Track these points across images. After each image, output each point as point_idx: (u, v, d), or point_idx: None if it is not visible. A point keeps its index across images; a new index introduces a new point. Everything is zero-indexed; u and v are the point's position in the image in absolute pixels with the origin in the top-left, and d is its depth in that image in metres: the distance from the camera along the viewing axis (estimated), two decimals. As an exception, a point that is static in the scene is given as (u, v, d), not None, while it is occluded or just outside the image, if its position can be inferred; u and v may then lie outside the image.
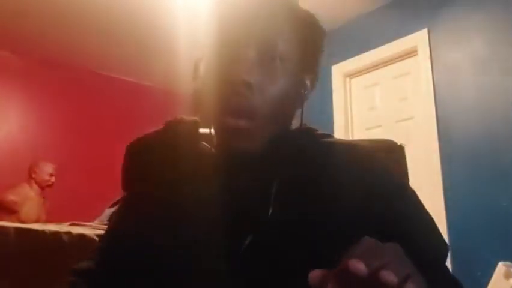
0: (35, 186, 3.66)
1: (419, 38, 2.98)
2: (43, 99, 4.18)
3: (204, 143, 0.70)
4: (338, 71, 3.49)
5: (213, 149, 0.68)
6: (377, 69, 3.31)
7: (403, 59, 3.14)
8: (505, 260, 2.29)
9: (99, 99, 4.47)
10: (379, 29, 3.24)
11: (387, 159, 0.83)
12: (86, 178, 4.02)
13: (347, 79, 3.49)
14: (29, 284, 1.35)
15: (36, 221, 3.36)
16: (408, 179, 0.89)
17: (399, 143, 0.94)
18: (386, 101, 3.26)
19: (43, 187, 3.69)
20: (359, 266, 0.37)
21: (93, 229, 1.47)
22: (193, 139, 0.71)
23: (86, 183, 3.95)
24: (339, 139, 0.74)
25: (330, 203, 0.61)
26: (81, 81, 4.39)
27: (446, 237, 2.55)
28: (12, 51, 4.02)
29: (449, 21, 2.85)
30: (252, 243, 0.61)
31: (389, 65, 3.24)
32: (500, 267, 2.26)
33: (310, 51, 0.67)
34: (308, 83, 0.69)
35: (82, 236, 1.32)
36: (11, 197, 3.50)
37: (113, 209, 1.61)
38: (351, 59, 3.40)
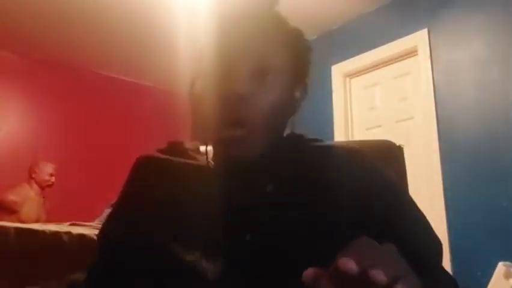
0: (35, 186, 3.65)
1: (419, 38, 2.98)
2: (43, 99, 4.18)
3: (204, 157, 0.74)
4: (338, 71, 3.49)
5: (211, 162, 0.72)
6: (377, 69, 3.31)
7: (403, 59, 3.14)
8: (505, 260, 2.29)
9: (99, 99, 4.47)
10: (379, 29, 3.24)
11: (385, 160, 0.84)
12: (86, 178, 4.02)
13: (347, 79, 3.50)
14: (29, 284, 1.35)
15: (36, 221, 3.36)
16: (406, 180, 0.90)
17: (398, 144, 0.94)
18: (386, 101, 3.26)
19: (43, 187, 3.69)
20: (349, 265, 0.37)
21: (93, 229, 1.48)
22: (193, 154, 0.75)
23: (86, 183, 3.95)
24: (330, 142, 0.77)
25: (325, 203, 0.62)
26: (81, 81, 4.39)
27: (446, 237, 2.56)
28: (12, 51, 4.02)
29: (449, 21, 2.85)
30: (251, 243, 0.62)
31: (389, 65, 3.24)
32: (500, 267, 2.26)
33: (299, 64, 0.71)
34: (298, 93, 0.72)
35: (82, 236, 1.32)
36: (11, 197, 3.49)
37: (113, 209, 1.61)
38: (351, 59, 3.40)
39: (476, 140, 2.59)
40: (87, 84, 4.42)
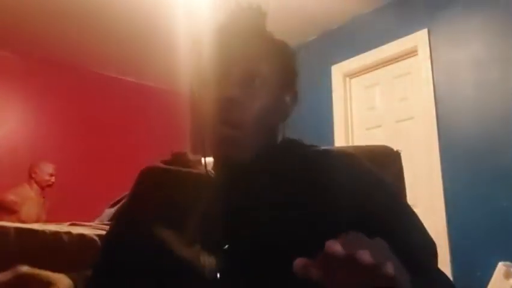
0: (35, 186, 3.66)
1: (419, 38, 2.98)
2: (43, 99, 4.18)
3: (204, 167, 0.80)
4: (338, 71, 3.49)
5: (211, 171, 0.78)
6: (377, 69, 3.31)
7: (403, 59, 3.14)
8: (505, 260, 2.29)
9: (99, 99, 4.47)
10: (379, 29, 3.24)
11: (382, 164, 0.86)
12: (86, 178, 4.02)
13: (347, 79, 3.50)
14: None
15: (36, 221, 3.36)
16: (404, 184, 0.91)
17: (395, 149, 0.95)
18: (386, 101, 3.26)
19: (43, 187, 3.69)
20: (335, 247, 0.39)
21: (93, 229, 1.47)
22: (195, 164, 0.82)
23: (86, 183, 3.95)
24: (327, 147, 0.81)
25: (321, 205, 0.64)
26: (81, 81, 4.39)
27: (446, 237, 2.56)
28: (12, 51, 4.02)
29: (449, 21, 2.85)
30: (250, 244, 0.63)
31: (389, 65, 3.24)
32: (500, 267, 2.26)
33: (285, 71, 0.77)
34: (288, 99, 0.78)
35: (82, 236, 1.32)
36: (11, 197, 3.50)
37: (113, 209, 1.62)
38: (351, 59, 3.40)
39: (476, 140, 2.59)
40: (87, 84, 4.42)
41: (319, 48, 3.64)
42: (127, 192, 0.84)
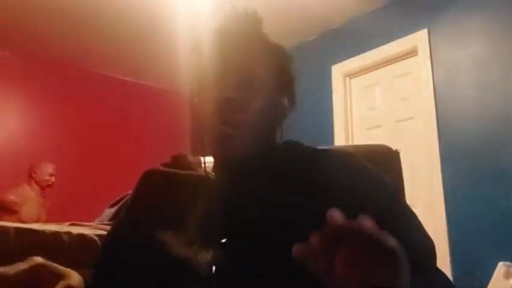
0: (35, 186, 3.66)
1: (419, 38, 2.98)
2: (43, 99, 4.18)
3: (203, 169, 0.82)
4: (338, 71, 3.49)
5: (211, 173, 0.80)
6: (377, 69, 3.31)
7: (403, 59, 3.14)
8: (505, 260, 2.29)
9: (99, 99, 4.47)
10: (379, 29, 3.24)
11: (381, 163, 0.87)
12: (86, 178, 4.02)
13: (347, 79, 3.50)
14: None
15: (36, 221, 3.35)
16: (402, 183, 0.91)
17: (394, 149, 0.95)
18: (386, 101, 3.26)
19: (43, 187, 3.69)
20: (335, 214, 0.40)
21: (93, 229, 1.47)
22: (196, 167, 0.84)
23: (86, 183, 3.95)
24: (326, 147, 0.82)
25: (321, 204, 0.63)
26: (81, 81, 4.39)
27: (446, 237, 2.56)
28: (12, 51, 4.02)
29: (449, 21, 2.85)
30: (249, 243, 0.64)
31: (389, 65, 3.24)
32: (500, 267, 2.26)
33: (281, 74, 0.79)
34: (285, 102, 0.80)
35: (82, 236, 1.32)
36: (11, 197, 3.50)
37: (113, 210, 1.62)
38: (351, 59, 3.40)
39: (476, 140, 2.59)
40: (87, 84, 4.42)
41: (319, 48, 3.64)
42: (127, 192, 0.85)
